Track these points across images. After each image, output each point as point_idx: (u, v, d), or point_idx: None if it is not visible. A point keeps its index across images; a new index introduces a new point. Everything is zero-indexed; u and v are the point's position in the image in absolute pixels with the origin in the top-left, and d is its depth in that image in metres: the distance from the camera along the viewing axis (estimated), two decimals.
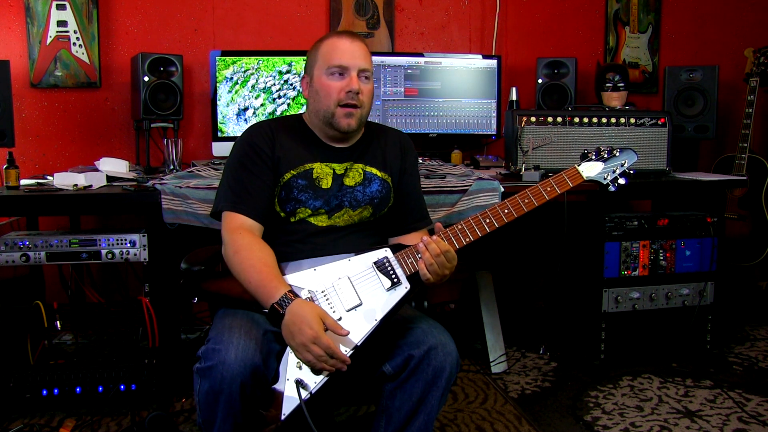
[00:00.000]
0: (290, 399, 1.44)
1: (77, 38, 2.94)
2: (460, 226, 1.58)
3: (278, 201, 1.69)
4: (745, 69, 3.40)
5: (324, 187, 1.70)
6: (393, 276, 1.55)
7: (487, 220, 1.59)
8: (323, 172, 1.71)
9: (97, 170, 2.52)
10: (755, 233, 3.32)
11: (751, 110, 3.25)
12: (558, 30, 3.52)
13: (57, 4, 2.89)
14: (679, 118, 3.16)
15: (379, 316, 1.51)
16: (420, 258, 1.52)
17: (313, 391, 1.44)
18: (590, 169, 1.70)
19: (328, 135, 1.75)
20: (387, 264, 1.56)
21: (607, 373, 2.65)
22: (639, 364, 2.72)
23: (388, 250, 1.58)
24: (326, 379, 1.45)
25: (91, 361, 2.27)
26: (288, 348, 1.48)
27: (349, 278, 1.55)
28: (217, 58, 2.88)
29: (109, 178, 2.46)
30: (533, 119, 2.64)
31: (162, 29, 3.06)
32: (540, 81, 3.22)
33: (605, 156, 1.73)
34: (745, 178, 3.03)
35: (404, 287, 1.54)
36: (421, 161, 2.93)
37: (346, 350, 1.47)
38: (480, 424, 2.23)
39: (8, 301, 2.50)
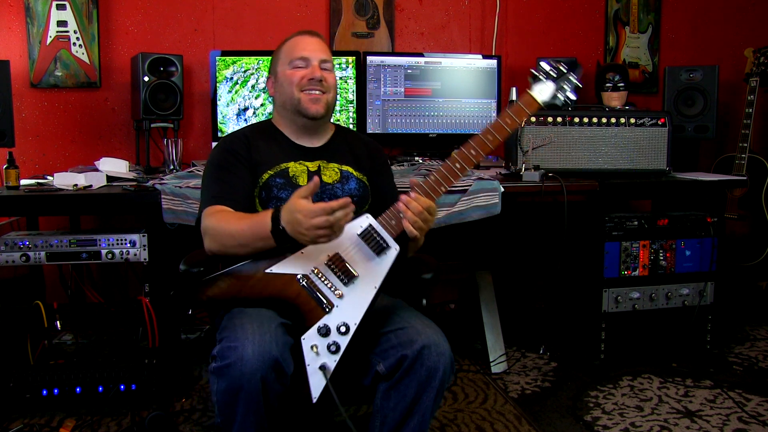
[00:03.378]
0: (316, 382, 1.46)
1: (77, 38, 2.94)
2: (433, 177, 1.58)
3: (259, 202, 1.73)
4: (745, 69, 3.40)
5: (301, 184, 1.74)
6: (381, 242, 1.55)
7: (458, 165, 1.59)
8: (298, 170, 1.77)
9: (97, 170, 2.52)
10: (755, 233, 3.31)
11: (751, 110, 3.25)
12: (558, 30, 3.52)
13: (57, 4, 2.89)
14: (679, 118, 3.16)
15: (378, 283, 1.53)
16: (403, 218, 1.53)
17: (332, 369, 1.47)
18: (543, 93, 1.67)
19: (297, 127, 1.81)
20: (372, 231, 1.56)
21: (607, 373, 2.65)
22: (639, 364, 2.72)
23: (369, 216, 1.58)
24: (341, 356, 1.48)
25: (91, 361, 2.27)
26: (302, 339, 1.49)
27: (338, 254, 1.55)
28: (217, 58, 2.88)
29: (109, 178, 2.46)
30: (533, 119, 2.64)
31: (162, 29, 3.06)
32: None
33: (554, 75, 1.69)
34: (745, 178, 3.03)
35: (394, 249, 1.55)
36: (421, 161, 2.94)
37: (355, 322, 1.50)
38: (480, 424, 2.23)
39: (8, 301, 2.50)
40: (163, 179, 2.34)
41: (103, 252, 2.31)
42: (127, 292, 2.97)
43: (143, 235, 2.32)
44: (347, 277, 1.54)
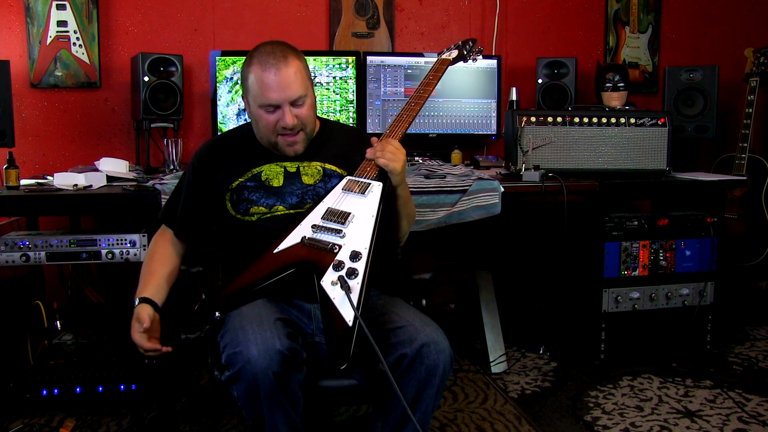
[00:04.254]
0: (345, 310, 1.45)
1: (77, 38, 2.94)
2: (388, 131, 1.77)
3: (231, 205, 1.74)
4: (745, 69, 3.40)
5: (275, 185, 1.75)
6: (363, 184, 1.66)
7: (405, 115, 1.81)
8: (273, 172, 1.76)
9: (97, 170, 2.52)
10: (755, 233, 3.31)
11: (751, 110, 3.25)
12: (558, 30, 3.52)
13: (57, 4, 2.89)
14: (679, 118, 3.16)
15: (374, 211, 1.60)
16: (373, 161, 1.67)
17: (357, 291, 1.46)
18: (451, 53, 2.08)
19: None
20: (352, 181, 1.68)
21: (607, 373, 2.65)
22: (639, 364, 2.72)
23: (347, 176, 1.71)
24: (362, 280, 1.48)
25: (91, 361, 2.27)
26: (321, 283, 1.50)
27: (329, 208, 1.64)
28: (217, 58, 2.88)
29: (109, 178, 2.46)
30: (533, 119, 2.64)
31: (162, 29, 3.06)
32: (540, 81, 3.22)
33: (454, 46, 2.11)
34: (745, 178, 3.03)
35: (377, 185, 1.65)
36: (421, 161, 2.94)
37: (365, 246, 1.53)
38: (480, 424, 2.23)
39: (8, 301, 2.50)
40: (163, 179, 2.34)
41: (103, 252, 2.31)
42: (127, 292, 2.97)
43: (143, 235, 2.32)
44: (343, 218, 1.60)
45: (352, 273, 1.49)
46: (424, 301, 1.82)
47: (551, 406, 2.38)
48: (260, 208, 1.72)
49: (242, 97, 1.77)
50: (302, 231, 1.61)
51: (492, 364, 2.70)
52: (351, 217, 1.60)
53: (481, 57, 2.16)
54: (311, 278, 1.52)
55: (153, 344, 1.60)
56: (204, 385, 2.51)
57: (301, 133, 1.73)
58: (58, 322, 2.36)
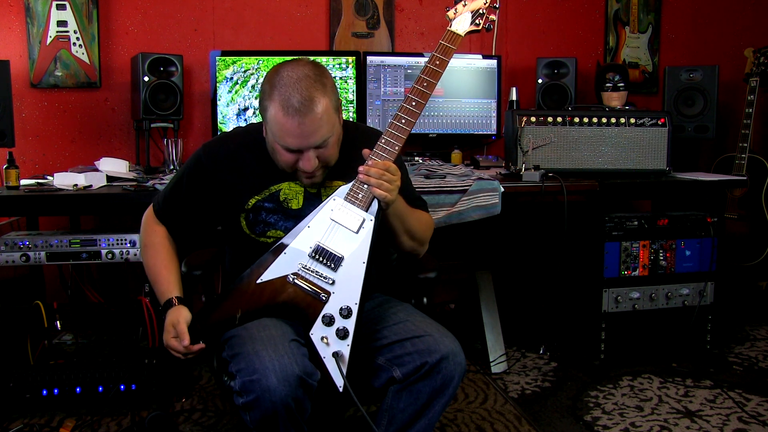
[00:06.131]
0: (335, 371, 1.46)
1: (77, 38, 2.94)
2: (384, 140, 1.56)
3: (246, 224, 1.66)
4: (745, 69, 3.40)
5: (294, 207, 1.64)
6: (356, 218, 1.53)
7: (403, 121, 1.57)
8: (292, 192, 1.65)
9: (97, 170, 2.52)
10: (755, 233, 3.32)
11: (751, 110, 3.25)
12: (558, 30, 3.52)
13: (57, 4, 2.89)
14: (679, 118, 3.16)
15: (365, 257, 1.51)
16: (368, 188, 1.52)
17: (347, 355, 1.46)
18: (462, 24, 1.64)
19: None
20: (344, 211, 1.55)
21: (607, 373, 2.65)
22: (639, 364, 2.72)
23: (336, 198, 1.55)
24: (351, 339, 1.47)
25: (91, 361, 2.27)
26: (310, 335, 1.49)
27: (319, 243, 1.53)
28: (217, 58, 2.88)
29: (109, 178, 2.46)
30: (533, 119, 2.65)
31: (162, 29, 3.06)
32: (540, 81, 3.22)
33: (466, 2, 1.65)
34: (745, 178, 3.03)
35: (369, 220, 1.53)
36: (421, 161, 2.94)
37: (355, 302, 1.48)
38: (480, 424, 2.23)
39: (8, 301, 2.50)
40: (163, 179, 2.35)
41: (103, 252, 2.31)
42: (127, 292, 2.97)
43: None
44: (334, 262, 1.52)
45: (344, 335, 1.47)
46: (425, 299, 1.82)
47: (551, 406, 2.38)
48: (278, 231, 1.64)
49: (260, 113, 1.58)
50: (289, 264, 1.53)
51: (492, 364, 2.70)
52: (342, 262, 1.52)
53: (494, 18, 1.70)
54: (299, 317, 1.53)
55: (198, 345, 1.52)
56: (204, 385, 2.51)
57: (322, 169, 1.59)
58: (58, 322, 2.36)
